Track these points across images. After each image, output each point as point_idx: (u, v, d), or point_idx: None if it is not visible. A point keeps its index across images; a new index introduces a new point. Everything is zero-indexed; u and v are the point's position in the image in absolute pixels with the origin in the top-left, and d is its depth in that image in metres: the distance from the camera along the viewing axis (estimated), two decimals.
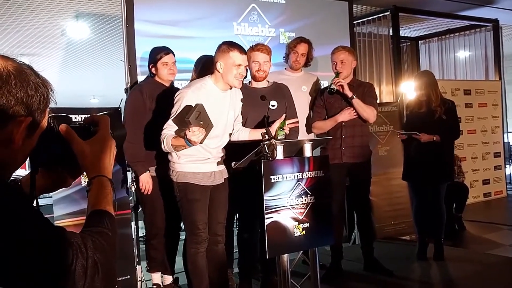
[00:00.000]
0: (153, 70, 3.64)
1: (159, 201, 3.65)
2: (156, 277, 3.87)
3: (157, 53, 3.60)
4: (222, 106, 3.15)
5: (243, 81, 3.20)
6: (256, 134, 3.29)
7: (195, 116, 2.79)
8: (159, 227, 3.76)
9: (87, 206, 1.17)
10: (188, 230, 3.24)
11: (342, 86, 3.81)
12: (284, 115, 3.24)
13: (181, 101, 3.04)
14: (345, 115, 3.85)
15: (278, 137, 3.12)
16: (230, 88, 3.20)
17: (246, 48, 3.43)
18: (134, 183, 3.73)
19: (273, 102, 3.57)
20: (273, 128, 3.16)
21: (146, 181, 3.54)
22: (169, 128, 3.02)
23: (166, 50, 3.63)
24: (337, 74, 3.88)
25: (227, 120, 3.22)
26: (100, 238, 1.07)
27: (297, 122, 3.50)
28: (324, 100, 3.99)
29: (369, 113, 3.87)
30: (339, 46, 4.01)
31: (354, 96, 3.81)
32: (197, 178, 3.15)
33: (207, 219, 3.22)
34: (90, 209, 1.15)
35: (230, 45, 3.10)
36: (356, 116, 3.86)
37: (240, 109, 3.35)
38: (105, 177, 1.19)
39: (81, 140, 1.18)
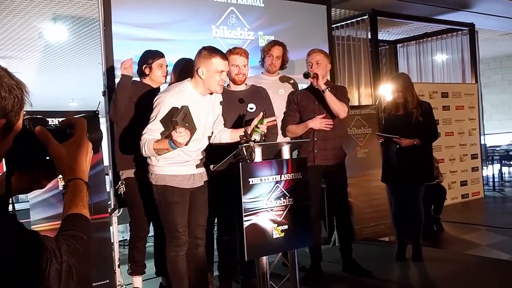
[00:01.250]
0: (146, 70, 3.67)
1: (143, 204, 3.64)
2: (137, 281, 3.85)
3: (153, 55, 3.67)
4: (201, 110, 3.14)
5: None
6: (237, 135, 3.29)
7: (181, 117, 2.79)
8: (145, 230, 3.77)
9: (62, 210, 1.16)
10: (168, 233, 3.22)
11: (317, 76, 3.83)
12: (261, 113, 3.23)
13: (160, 106, 3.02)
14: (316, 123, 3.85)
15: (254, 136, 3.10)
16: (211, 94, 3.20)
17: (225, 51, 3.44)
18: (123, 186, 3.71)
19: (251, 105, 3.58)
20: (251, 127, 3.17)
21: None
22: (149, 133, 2.99)
23: (161, 53, 3.72)
24: (307, 75, 3.87)
25: (206, 124, 3.22)
26: (75, 242, 1.06)
27: (275, 120, 3.51)
28: (298, 103, 4.00)
29: (340, 107, 3.85)
30: (315, 48, 4.04)
31: (326, 89, 3.82)
32: (176, 180, 3.14)
33: (187, 222, 3.21)
34: (65, 212, 1.14)
35: (212, 51, 3.07)
36: (328, 129, 3.87)
37: (220, 112, 3.35)
38: (81, 180, 1.19)
39: (57, 142, 1.17)
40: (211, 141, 3.34)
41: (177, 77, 3.60)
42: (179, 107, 2.84)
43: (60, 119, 3.75)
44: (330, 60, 4.06)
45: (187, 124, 2.80)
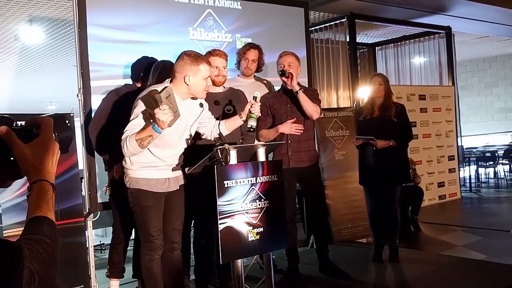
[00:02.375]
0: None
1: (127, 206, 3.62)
2: (114, 285, 3.81)
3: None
4: (182, 114, 3.07)
5: None
6: (233, 124, 3.30)
7: (165, 95, 2.75)
8: (127, 233, 3.76)
9: (26, 213, 1.12)
10: (142, 237, 3.19)
11: (292, 76, 3.83)
12: (253, 100, 3.21)
13: (139, 107, 2.97)
14: (286, 128, 3.82)
15: (250, 123, 3.16)
16: (193, 98, 3.15)
17: (203, 53, 3.44)
18: (109, 188, 3.69)
19: (228, 107, 3.57)
20: (245, 112, 3.20)
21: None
22: (130, 129, 2.93)
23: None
24: (283, 72, 3.87)
25: (185, 128, 3.16)
26: (38, 246, 1.03)
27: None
28: (270, 107, 4.00)
29: (313, 108, 3.87)
30: (287, 51, 4.03)
31: (300, 91, 3.83)
32: (150, 184, 3.10)
33: (163, 226, 3.18)
34: (29, 215, 1.11)
35: (198, 58, 3.02)
36: (299, 133, 3.86)
37: (201, 111, 3.23)
38: (47, 182, 1.14)
39: (21, 142, 1.14)
40: (209, 138, 3.33)
41: (156, 79, 3.57)
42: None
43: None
44: (300, 63, 4.06)
45: (171, 105, 2.76)
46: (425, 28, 8.49)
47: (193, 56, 3.01)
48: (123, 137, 2.93)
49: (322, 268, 4.18)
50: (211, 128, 3.33)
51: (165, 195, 3.18)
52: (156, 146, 3.02)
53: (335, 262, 4.20)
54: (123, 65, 4.17)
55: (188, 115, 3.17)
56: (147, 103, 2.91)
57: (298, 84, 3.95)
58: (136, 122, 2.94)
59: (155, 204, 3.11)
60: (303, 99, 3.83)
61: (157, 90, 2.87)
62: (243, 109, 3.26)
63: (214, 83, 3.59)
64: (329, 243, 4.37)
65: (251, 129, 3.26)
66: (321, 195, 4.27)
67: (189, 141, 3.24)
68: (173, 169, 3.19)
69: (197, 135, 3.37)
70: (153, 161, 3.08)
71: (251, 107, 3.18)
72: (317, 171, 4.14)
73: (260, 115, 3.28)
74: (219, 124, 3.18)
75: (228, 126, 3.30)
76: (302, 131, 3.84)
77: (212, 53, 3.58)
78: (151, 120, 2.83)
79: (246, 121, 3.20)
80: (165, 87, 2.84)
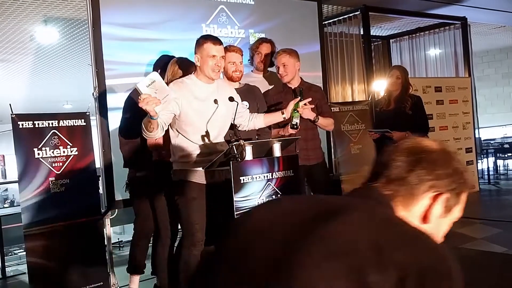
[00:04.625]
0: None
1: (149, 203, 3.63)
2: (135, 280, 3.84)
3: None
4: (205, 97, 3.13)
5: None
6: (271, 119, 3.44)
7: (146, 83, 2.75)
8: (148, 229, 3.76)
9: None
10: (184, 231, 3.20)
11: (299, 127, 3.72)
12: (299, 97, 3.39)
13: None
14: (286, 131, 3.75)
15: (294, 120, 3.35)
16: (212, 80, 3.16)
17: None
18: (129, 185, 3.72)
19: (245, 103, 3.58)
20: (288, 111, 3.35)
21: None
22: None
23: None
24: (301, 93, 3.72)
25: (215, 113, 3.14)
26: None
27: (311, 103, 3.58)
28: (274, 104, 3.96)
29: (330, 126, 4.10)
30: (280, 50, 3.97)
31: (317, 119, 3.85)
32: (194, 175, 3.12)
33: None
34: None
35: (204, 37, 3.18)
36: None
37: (236, 103, 3.25)
38: None
39: None
40: (245, 129, 3.40)
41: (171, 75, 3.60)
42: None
43: (50, 122, 3.76)
44: (298, 58, 3.96)
45: (156, 91, 2.76)
46: (440, 19, 8.38)
47: (202, 37, 3.19)
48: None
49: None
50: (248, 119, 3.39)
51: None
52: (186, 133, 3.11)
53: None
54: (138, 63, 4.19)
55: (220, 101, 3.16)
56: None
57: (301, 81, 3.93)
58: None
59: (199, 196, 3.11)
60: (322, 124, 3.95)
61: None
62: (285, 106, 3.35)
63: (231, 79, 3.60)
64: None
65: (295, 126, 3.41)
66: (327, 193, 4.22)
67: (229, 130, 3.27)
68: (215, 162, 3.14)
69: None
70: (194, 151, 3.11)
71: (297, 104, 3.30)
72: (324, 168, 4.14)
73: (302, 113, 3.48)
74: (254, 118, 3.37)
75: (267, 120, 3.41)
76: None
77: (228, 49, 3.58)
78: None
79: (290, 118, 3.38)
80: (150, 73, 2.88)
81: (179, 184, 3.13)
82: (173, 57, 3.62)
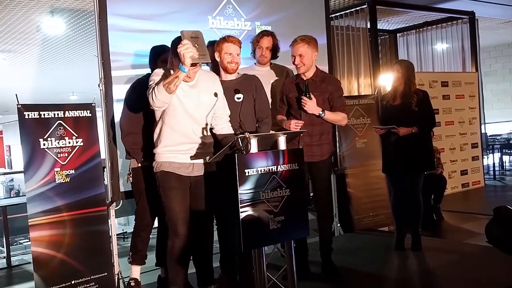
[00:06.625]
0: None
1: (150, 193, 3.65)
2: (136, 271, 3.86)
3: None
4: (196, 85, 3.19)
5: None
6: None
7: (190, 34, 2.82)
8: (149, 219, 3.79)
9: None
10: (168, 221, 3.24)
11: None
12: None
13: (155, 76, 3.10)
14: (291, 126, 3.74)
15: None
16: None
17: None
18: (131, 175, 3.75)
19: (238, 96, 3.54)
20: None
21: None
22: (154, 83, 3.04)
23: None
24: (306, 87, 3.74)
25: (203, 103, 3.22)
26: None
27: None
28: (286, 94, 3.94)
29: (341, 121, 3.95)
30: (298, 38, 3.83)
31: (323, 113, 3.77)
32: (173, 167, 3.19)
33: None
34: None
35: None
36: (298, 129, 3.73)
37: (217, 99, 3.30)
38: None
39: None
40: (216, 132, 3.37)
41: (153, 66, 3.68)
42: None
43: (56, 112, 3.76)
44: (316, 47, 3.85)
45: (197, 45, 2.82)
46: (448, 13, 8.33)
47: None
48: (149, 90, 3.03)
49: (323, 267, 4.03)
50: (223, 123, 3.38)
51: (190, 180, 3.24)
52: (177, 119, 3.14)
53: (357, 250, 4.15)
54: (144, 55, 4.17)
55: (207, 91, 3.24)
56: (165, 72, 3.08)
57: (316, 71, 3.88)
58: (155, 78, 3.08)
59: (179, 186, 3.18)
60: (329, 118, 3.83)
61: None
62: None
63: (227, 70, 3.56)
64: (350, 232, 4.32)
65: None
66: (327, 192, 4.13)
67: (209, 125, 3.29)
68: (198, 155, 3.23)
69: None
70: (178, 141, 3.16)
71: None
72: (326, 166, 3.99)
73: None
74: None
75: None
76: (301, 125, 3.73)
77: (226, 39, 3.55)
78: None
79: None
80: (196, 31, 2.92)
81: (160, 175, 3.21)
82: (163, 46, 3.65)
